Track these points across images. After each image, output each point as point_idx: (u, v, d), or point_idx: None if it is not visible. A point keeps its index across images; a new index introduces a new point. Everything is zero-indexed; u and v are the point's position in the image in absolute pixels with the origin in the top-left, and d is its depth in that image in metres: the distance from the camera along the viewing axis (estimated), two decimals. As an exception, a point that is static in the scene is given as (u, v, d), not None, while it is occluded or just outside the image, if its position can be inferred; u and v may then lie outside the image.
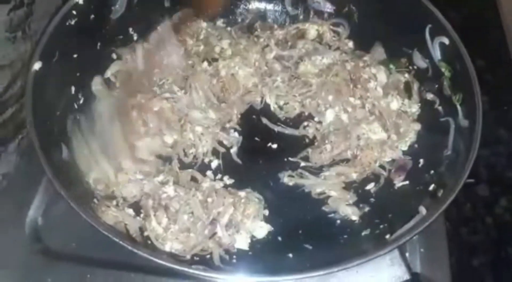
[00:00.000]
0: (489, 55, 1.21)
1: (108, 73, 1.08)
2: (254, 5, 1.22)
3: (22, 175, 1.00)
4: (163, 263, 0.72)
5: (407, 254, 0.91)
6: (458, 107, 0.94)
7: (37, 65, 0.89)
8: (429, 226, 0.83)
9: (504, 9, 1.31)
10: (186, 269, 0.70)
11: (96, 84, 1.04)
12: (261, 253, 0.89)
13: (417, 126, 1.03)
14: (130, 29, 1.12)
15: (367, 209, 0.96)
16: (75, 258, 0.91)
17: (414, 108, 1.06)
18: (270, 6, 1.22)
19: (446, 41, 0.99)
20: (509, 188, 1.08)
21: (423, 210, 0.83)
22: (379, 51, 1.14)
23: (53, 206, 0.95)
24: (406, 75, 1.09)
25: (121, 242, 0.71)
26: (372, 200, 0.97)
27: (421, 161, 0.98)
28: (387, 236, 0.85)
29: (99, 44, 1.06)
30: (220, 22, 1.21)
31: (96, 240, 0.78)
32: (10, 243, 0.93)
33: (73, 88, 1.00)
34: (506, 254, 1.01)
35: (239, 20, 1.22)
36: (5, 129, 0.97)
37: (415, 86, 1.08)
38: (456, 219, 1.01)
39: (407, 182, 0.98)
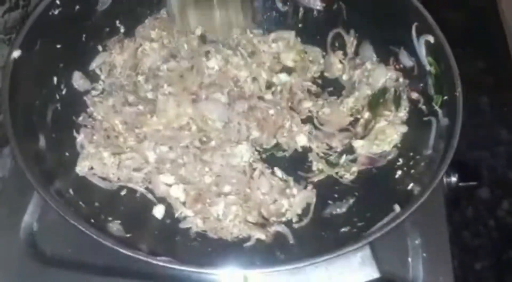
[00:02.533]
0: (489, 56, 1.21)
1: (93, 65, 1.08)
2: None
3: (17, 179, 0.97)
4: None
5: (409, 259, 0.90)
6: (439, 105, 0.93)
7: (16, 54, 0.89)
8: (431, 229, 0.90)
9: (504, 10, 1.31)
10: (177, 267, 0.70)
11: (77, 79, 1.04)
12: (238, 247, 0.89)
13: (404, 129, 1.01)
14: (117, 21, 1.11)
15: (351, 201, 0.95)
16: (72, 265, 0.90)
17: (402, 113, 1.04)
18: (259, 3, 1.21)
19: (431, 39, 0.97)
20: (511, 190, 1.07)
21: (397, 208, 0.82)
22: (368, 49, 1.13)
23: (48, 211, 0.92)
24: (400, 80, 1.06)
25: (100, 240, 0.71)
26: (352, 199, 0.96)
27: (401, 160, 0.97)
28: (363, 234, 0.84)
29: (84, 35, 1.06)
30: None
31: (93, 246, 0.76)
32: (5, 249, 0.91)
33: (55, 79, 0.99)
34: (509, 257, 1.00)
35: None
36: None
37: (405, 90, 1.05)
38: (459, 222, 1.02)
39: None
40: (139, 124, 0.98)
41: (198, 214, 0.90)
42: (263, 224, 0.90)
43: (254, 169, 0.95)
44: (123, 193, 0.96)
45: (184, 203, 0.93)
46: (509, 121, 1.15)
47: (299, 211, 0.92)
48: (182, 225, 0.90)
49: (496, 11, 1.31)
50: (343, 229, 0.91)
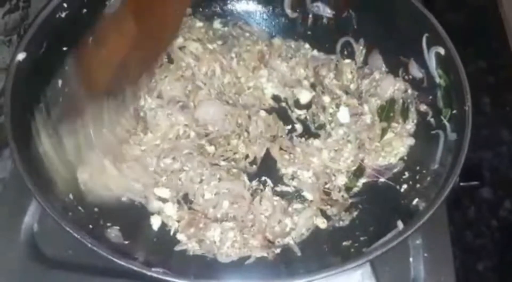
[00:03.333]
0: (491, 56, 1.20)
1: None
2: (252, 7, 1.20)
3: (18, 180, 0.93)
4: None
5: (410, 259, 0.89)
6: (448, 119, 0.91)
7: (20, 56, 0.88)
8: (432, 229, 0.88)
9: (506, 10, 1.29)
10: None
11: None
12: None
13: (411, 141, 0.99)
14: (125, 25, 1.11)
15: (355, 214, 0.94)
16: (72, 266, 0.89)
17: (409, 125, 1.02)
18: (269, 8, 1.20)
19: (442, 51, 0.95)
20: None
21: (400, 224, 0.80)
22: (377, 59, 1.11)
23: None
24: (409, 91, 1.04)
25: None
26: (356, 212, 0.94)
27: (407, 174, 0.95)
28: (364, 249, 0.82)
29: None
30: (217, 23, 1.19)
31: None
32: (5, 250, 0.91)
33: (60, 82, 0.99)
34: (511, 257, 0.99)
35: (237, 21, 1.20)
36: (1, 134, 0.96)
37: (413, 102, 1.03)
38: (461, 222, 1.00)
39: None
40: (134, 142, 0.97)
41: (193, 238, 0.88)
42: (268, 245, 0.88)
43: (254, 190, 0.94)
44: (124, 199, 0.94)
45: (178, 221, 0.91)
46: (510, 122, 1.14)
47: (305, 232, 0.90)
48: (177, 248, 0.88)
49: (497, 11, 1.29)
50: (345, 243, 0.89)
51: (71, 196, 0.89)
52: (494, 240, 1.00)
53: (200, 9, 1.18)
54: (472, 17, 1.27)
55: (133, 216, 0.93)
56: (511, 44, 1.22)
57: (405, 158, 0.98)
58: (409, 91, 1.04)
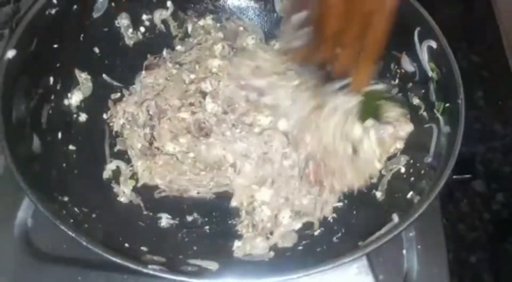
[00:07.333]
0: (484, 51, 1.21)
1: None
2: (244, 3, 1.20)
3: (11, 175, 0.92)
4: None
5: (404, 251, 0.90)
6: (441, 112, 0.92)
7: (10, 54, 0.87)
8: (425, 221, 0.89)
9: (499, 5, 1.30)
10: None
11: None
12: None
13: (409, 127, 0.99)
14: (116, 22, 1.10)
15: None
16: (66, 260, 0.89)
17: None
18: (260, 4, 1.19)
19: (434, 45, 0.95)
20: (506, 183, 1.07)
21: (395, 218, 0.80)
22: None
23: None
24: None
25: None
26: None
27: (402, 168, 0.95)
28: (360, 243, 0.82)
29: (82, 35, 1.05)
30: (209, 19, 1.19)
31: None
32: None
33: (51, 79, 0.98)
34: (504, 250, 1.00)
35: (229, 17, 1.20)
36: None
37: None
38: (453, 215, 1.01)
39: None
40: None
41: None
42: None
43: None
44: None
45: None
46: (503, 116, 1.15)
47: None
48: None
49: (491, 6, 1.30)
50: (337, 236, 0.89)
51: (65, 197, 0.88)
52: (487, 232, 1.01)
53: (192, 5, 1.18)
54: (466, 11, 1.28)
55: (130, 214, 0.93)
56: (504, 38, 1.23)
57: (399, 152, 0.98)
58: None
